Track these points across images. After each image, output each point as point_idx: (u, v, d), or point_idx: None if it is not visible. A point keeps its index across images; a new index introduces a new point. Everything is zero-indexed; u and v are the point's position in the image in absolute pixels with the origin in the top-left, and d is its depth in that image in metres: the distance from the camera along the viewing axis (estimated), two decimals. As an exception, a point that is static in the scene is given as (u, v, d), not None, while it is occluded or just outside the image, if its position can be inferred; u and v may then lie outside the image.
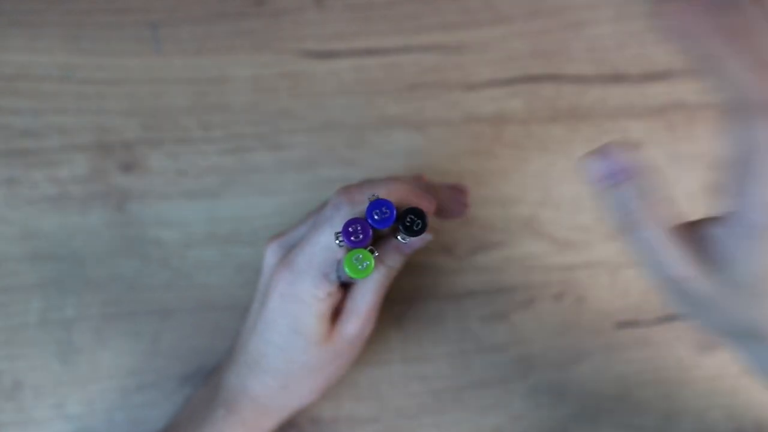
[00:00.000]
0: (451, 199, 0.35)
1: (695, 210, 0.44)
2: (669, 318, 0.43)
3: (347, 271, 0.31)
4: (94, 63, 0.45)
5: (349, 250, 0.31)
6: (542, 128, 0.45)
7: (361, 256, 0.31)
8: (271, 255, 0.36)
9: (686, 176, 0.45)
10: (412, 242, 0.34)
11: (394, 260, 0.34)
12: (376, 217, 0.31)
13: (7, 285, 0.42)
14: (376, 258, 0.31)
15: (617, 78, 0.46)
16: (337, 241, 0.31)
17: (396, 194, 0.33)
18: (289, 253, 0.34)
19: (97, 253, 0.42)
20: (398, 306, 0.42)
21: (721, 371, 0.42)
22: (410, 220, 0.31)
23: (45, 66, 0.45)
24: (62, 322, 0.41)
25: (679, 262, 0.28)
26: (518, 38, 0.47)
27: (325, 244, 0.33)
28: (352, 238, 0.31)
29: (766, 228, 0.26)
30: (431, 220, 0.34)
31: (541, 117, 0.46)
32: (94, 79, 0.45)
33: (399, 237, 0.32)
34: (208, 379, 0.39)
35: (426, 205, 0.34)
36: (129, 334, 0.42)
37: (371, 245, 0.31)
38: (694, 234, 0.29)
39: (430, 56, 0.46)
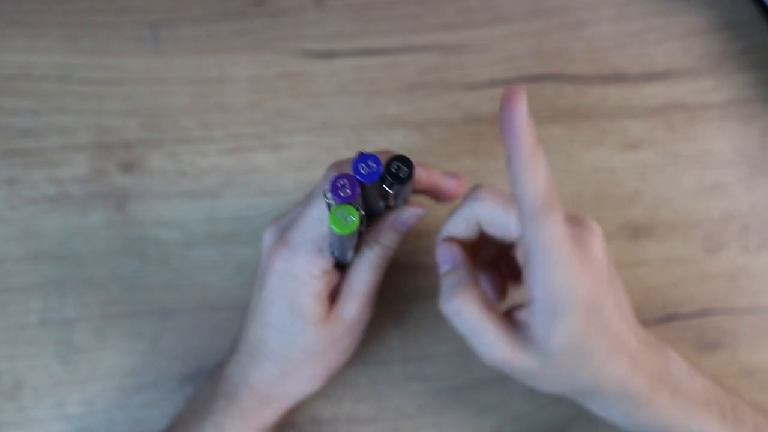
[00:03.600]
0: (444, 179, 0.36)
1: (695, 209, 0.45)
2: (669, 318, 0.43)
3: (332, 226, 0.30)
4: (94, 63, 0.45)
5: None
6: (542, 128, 0.45)
7: (345, 211, 0.30)
8: (268, 237, 0.36)
9: (686, 176, 0.45)
10: (405, 218, 0.34)
11: (389, 239, 0.35)
12: (362, 171, 0.30)
13: (7, 285, 0.42)
14: (374, 242, 0.31)
15: (617, 78, 0.46)
16: (326, 199, 0.31)
17: (385, 157, 0.33)
18: (284, 231, 0.35)
19: (97, 253, 0.42)
20: (398, 306, 0.42)
21: (721, 371, 0.42)
22: (396, 167, 0.31)
23: (45, 66, 0.45)
24: (62, 322, 0.41)
25: (494, 344, 0.31)
26: (518, 38, 0.47)
27: (317, 216, 0.33)
28: (340, 194, 0.30)
29: (558, 311, 0.29)
30: (430, 206, 0.33)
31: (541, 117, 0.45)
32: (94, 79, 0.45)
33: (385, 186, 0.32)
34: (211, 374, 0.39)
35: (417, 169, 0.34)
36: (129, 334, 0.42)
37: (360, 207, 0.31)
38: (509, 320, 0.32)
39: (430, 56, 0.46)
